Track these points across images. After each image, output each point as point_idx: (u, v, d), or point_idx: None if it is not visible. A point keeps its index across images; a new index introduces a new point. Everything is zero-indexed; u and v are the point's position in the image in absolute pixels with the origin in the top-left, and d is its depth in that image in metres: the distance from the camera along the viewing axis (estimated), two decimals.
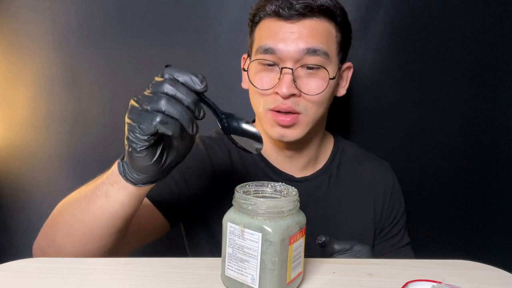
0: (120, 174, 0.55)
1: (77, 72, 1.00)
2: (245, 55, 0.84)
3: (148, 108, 0.48)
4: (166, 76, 0.49)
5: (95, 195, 0.57)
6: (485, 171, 1.08)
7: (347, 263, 0.61)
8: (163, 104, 0.47)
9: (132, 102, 0.50)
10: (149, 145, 0.50)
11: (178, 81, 0.49)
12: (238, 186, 0.51)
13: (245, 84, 0.83)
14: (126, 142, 0.51)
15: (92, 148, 1.02)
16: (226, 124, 0.53)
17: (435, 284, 0.51)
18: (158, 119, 0.47)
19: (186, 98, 0.48)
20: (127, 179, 0.55)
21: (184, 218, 0.81)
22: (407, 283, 0.52)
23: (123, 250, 0.67)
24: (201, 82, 0.49)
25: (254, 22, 0.77)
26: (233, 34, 1.00)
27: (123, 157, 0.55)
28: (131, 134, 0.49)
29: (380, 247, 0.86)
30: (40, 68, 0.99)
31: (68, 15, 0.97)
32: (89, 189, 0.59)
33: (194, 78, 0.49)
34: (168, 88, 0.48)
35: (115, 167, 0.56)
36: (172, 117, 0.48)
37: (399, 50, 1.02)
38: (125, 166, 0.55)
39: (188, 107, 0.49)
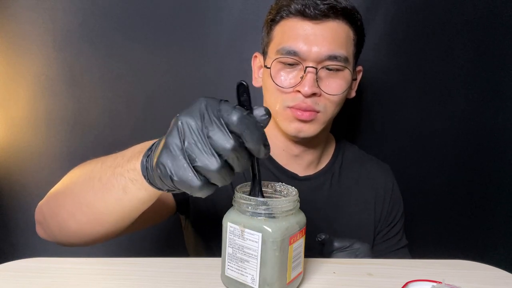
0: (144, 176, 0.47)
1: (77, 72, 1.00)
2: (256, 53, 0.84)
3: (195, 163, 0.39)
4: (236, 128, 0.39)
5: (111, 184, 0.51)
6: (485, 171, 1.08)
7: (347, 263, 0.61)
8: (214, 174, 0.39)
9: (176, 129, 0.40)
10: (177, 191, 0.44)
11: (243, 143, 0.40)
12: (238, 186, 0.51)
13: (257, 83, 0.83)
14: (154, 162, 0.42)
15: (92, 148, 1.02)
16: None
17: (435, 284, 0.51)
18: (199, 184, 0.39)
19: (242, 167, 0.41)
20: (150, 183, 0.47)
21: (189, 209, 0.80)
22: (407, 283, 0.52)
23: (124, 232, 0.64)
24: (266, 154, 0.41)
25: (274, 21, 0.77)
26: (233, 35, 1.00)
27: (148, 155, 0.46)
28: (160, 175, 0.41)
29: (377, 248, 0.86)
30: (40, 68, 0.99)
31: (68, 15, 0.97)
32: (105, 174, 0.52)
33: (262, 148, 0.40)
34: (229, 154, 0.39)
35: (137, 164, 0.47)
36: (214, 184, 0.41)
37: (399, 50, 1.02)
38: (149, 171, 0.45)
39: (233, 173, 0.41)
